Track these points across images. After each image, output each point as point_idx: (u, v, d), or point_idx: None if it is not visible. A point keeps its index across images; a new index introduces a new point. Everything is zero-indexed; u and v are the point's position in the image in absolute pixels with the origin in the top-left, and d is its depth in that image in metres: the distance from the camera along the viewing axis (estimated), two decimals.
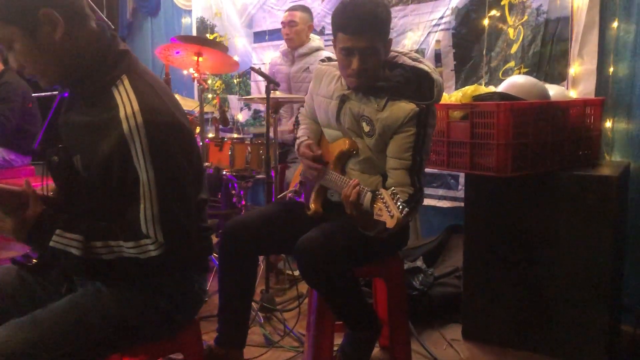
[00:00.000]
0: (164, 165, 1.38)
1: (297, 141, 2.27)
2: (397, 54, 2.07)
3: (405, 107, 1.92)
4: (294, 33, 3.70)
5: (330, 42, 2.07)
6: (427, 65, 2.01)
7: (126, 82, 1.42)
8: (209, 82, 3.35)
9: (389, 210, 1.56)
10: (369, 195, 1.67)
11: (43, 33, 1.37)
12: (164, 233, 1.38)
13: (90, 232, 1.39)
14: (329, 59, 2.25)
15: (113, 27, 1.54)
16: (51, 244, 1.37)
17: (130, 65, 1.48)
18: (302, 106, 2.44)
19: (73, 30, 1.40)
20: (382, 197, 1.60)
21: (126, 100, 1.38)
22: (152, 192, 1.37)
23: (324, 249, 1.82)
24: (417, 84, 1.95)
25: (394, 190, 1.60)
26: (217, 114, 3.55)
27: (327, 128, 2.20)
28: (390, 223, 1.54)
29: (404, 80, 1.96)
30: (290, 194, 2.31)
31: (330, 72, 2.16)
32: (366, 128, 2.00)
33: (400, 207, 1.54)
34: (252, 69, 3.02)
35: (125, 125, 1.35)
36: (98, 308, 1.41)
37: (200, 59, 3.30)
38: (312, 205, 2.13)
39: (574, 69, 2.95)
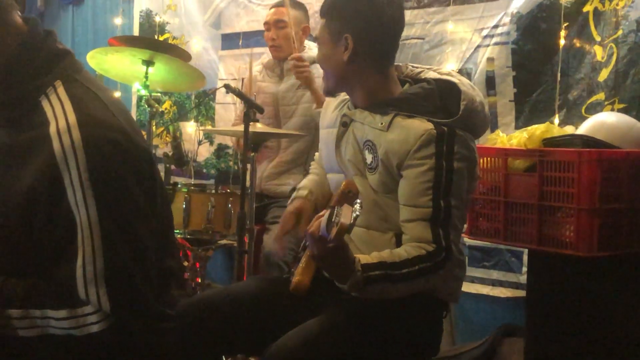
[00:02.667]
0: (112, 200, 1.39)
1: (294, 193, 2.37)
2: (423, 68, 2.17)
3: (417, 127, 1.97)
4: (282, 38, 3.73)
5: None
6: (459, 78, 2.09)
7: (61, 89, 1.46)
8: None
9: (336, 221, 1.59)
10: (327, 213, 1.68)
11: None
12: (110, 299, 1.39)
13: (3, 295, 1.39)
14: None
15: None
16: None
17: (70, 69, 1.52)
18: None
19: None
20: (338, 209, 1.63)
21: (59, 112, 1.41)
22: (94, 238, 1.38)
23: None
24: (441, 100, 2.03)
25: (358, 200, 1.65)
26: (169, 150, 3.57)
27: (330, 173, 2.28)
28: (332, 231, 1.57)
29: (423, 93, 2.04)
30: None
31: (338, 97, 2.25)
32: (369, 158, 2.05)
33: (354, 215, 1.57)
34: (228, 87, 3.06)
35: (56, 144, 1.37)
36: None
37: (151, 68, 3.35)
38: (296, 277, 2.10)
39: None
